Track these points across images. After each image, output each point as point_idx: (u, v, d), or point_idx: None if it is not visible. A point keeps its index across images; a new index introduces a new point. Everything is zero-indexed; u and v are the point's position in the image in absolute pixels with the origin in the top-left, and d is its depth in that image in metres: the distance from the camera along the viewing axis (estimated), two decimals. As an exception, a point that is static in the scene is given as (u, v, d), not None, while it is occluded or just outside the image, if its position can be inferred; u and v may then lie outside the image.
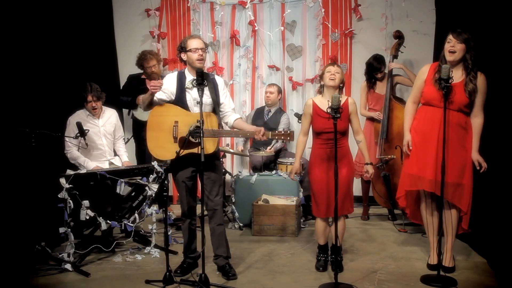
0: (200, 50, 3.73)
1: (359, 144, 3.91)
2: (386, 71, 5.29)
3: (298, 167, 3.96)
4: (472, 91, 3.60)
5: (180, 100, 3.76)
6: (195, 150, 3.62)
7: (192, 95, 3.76)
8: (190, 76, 3.78)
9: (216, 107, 3.78)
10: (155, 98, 3.74)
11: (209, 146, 3.62)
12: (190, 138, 3.59)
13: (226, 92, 3.91)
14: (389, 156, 5.08)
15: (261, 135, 3.62)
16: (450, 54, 3.61)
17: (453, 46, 3.59)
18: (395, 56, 5.30)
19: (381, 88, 5.34)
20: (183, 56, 3.78)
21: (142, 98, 3.92)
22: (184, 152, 3.58)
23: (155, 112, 3.77)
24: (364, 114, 5.39)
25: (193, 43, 3.73)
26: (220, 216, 3.86)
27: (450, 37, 3.61)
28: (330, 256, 3.96)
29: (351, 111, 3.82)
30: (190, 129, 3.55)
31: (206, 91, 3.71)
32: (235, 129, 3.88)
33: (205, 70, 3.93)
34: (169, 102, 3.78)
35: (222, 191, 3.95)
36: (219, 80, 3.92)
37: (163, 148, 3.72)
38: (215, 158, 3.87)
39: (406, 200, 3.93)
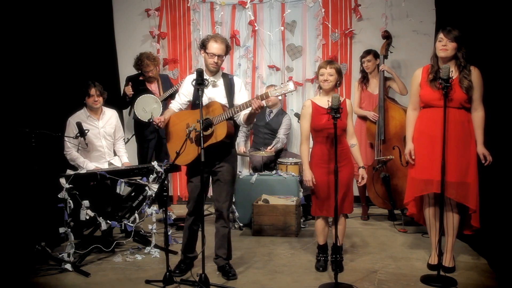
0: (216, 57, 3.71)
1: (352, 147, 3.89)
2: (370, 62, 5.33)
3: (310, 173, 3.81)
4: (469, 87, 3.63)
5: (197, 100, 3.71)
6: (212, 141, 3.62)
7: (207, 94, 3.75)
8: (207, 76, 3.76)
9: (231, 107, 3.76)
10: (179, 106, 3.87)
11: (220, 132, 3.61)
12: (203, 131, 3.51)
13: (242, 94, 3.83)
14: (388, 157, 5.09)
15: (258, 99, 3.53)
16: (442, 51, 3.66)
17: (445, 45, 3.64)
18: (385, 56, 5.32)
19: (373, 87, 5.38)
20: (202, 54, 3.81)
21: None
22: (183, 148, 3.54)
23: (169, 124, 3.84)
24: (357, 112, 5.39)
25: (213, 48, 3.70)
26: (226, 219, 3.83)
27: (441, 35, 3.67)
28: (330, 256, 3.95)
29: (348, 112, 3.83)
30: (190, 129, 3.56)
31: (222, 91, 3.72)
32: (236, 108, 3.68)
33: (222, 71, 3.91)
34: (189, 101, 3.86)
35: (231, 193, 3.90)
36: (236, 81, 3.87)
37: (184, 152, 3.61)
38: (228, 152, 3.78)
39: (415, 206, 3.92)
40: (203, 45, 3.75)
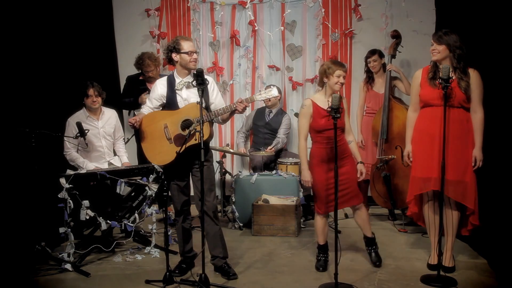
0: (195, 53, 3.77)
1: (350, 144, 3.93)
2: (379, 61, 5.34)
3: (309, 174, 3.86)
4: (467, 87, 3.65)
5: (171, 102, 3.80)
6: (193, 142, 3.62)
7: (182, 96, 3.79)
8: (179, 78, 3.81)
9: (208, 107, 3.80)
10: (151, 111, 3.85)
11: (204, 132, 3.60)
12: (182, 132, 3.65)
13: (216, 92, 3.88)
14: (390, 156, 5.09)
15: (241, 102, 3.65)
16: (433, 55, 3.73)
17: (434, 49, 3.70)
18: (393, 56, 5.32)
19: (379, 86, 5.37)
20: (175, 57, 3.77)
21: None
22: (183, 148, 3.56)
23: (142, 124, 3.81)
24: (359, 115, 5.47)
25: (188, 46, 3.74)
26: (213, 217, 3.80)
27: (432, 40, 3.75)
28: (366, 248, 4.05)
29: (344, 109, 3.86)
30: (190, 129, 3.56)
31: (196, 91, 3.63)
32: (219, 110, 3.74)
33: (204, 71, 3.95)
34: (162, 105, 3.85)
35: (215, 190, 3.90)
36: (208, 79, 3.85)
37: (162, 153, 3.74)
38: (207, 150, 3.84)
39: (416, 205, 3.92)
40: (175, 49, 3.73)
